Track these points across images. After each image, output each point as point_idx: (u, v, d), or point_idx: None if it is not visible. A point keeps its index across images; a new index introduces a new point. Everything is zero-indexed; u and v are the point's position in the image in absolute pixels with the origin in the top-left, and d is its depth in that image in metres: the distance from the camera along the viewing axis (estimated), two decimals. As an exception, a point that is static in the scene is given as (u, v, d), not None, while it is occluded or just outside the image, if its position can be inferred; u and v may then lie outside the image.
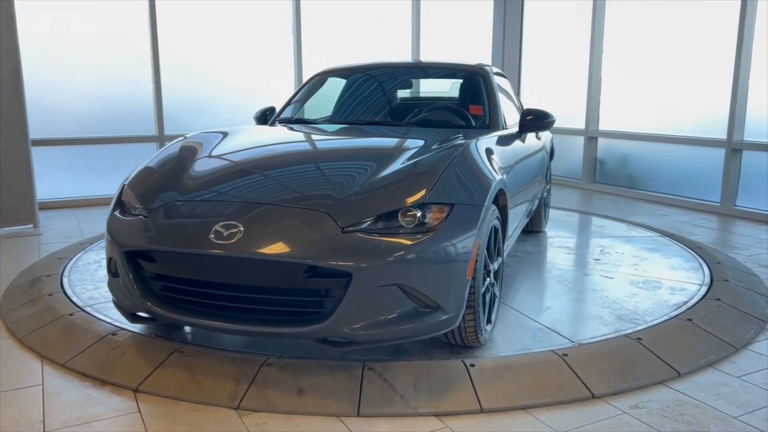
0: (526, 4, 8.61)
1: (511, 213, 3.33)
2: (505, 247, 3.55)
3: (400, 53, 8.23)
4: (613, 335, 3.00)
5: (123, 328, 3.05)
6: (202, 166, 2.92)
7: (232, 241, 2.40)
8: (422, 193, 2.54)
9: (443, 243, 2.45)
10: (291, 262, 2.35)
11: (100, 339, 2.97)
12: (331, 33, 7.74)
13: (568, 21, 8.13)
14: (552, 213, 5.99)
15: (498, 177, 2.90)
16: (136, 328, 3.04)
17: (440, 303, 2.47)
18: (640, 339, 2.93)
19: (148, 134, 6.81)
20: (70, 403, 2.52)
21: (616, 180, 7.61)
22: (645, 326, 3.11)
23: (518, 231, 4.06)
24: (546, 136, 4.95)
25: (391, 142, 3.28)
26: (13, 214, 5.45)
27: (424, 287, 2.44)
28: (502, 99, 4.07)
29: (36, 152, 5.67)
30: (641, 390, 2.62)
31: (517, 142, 3.80)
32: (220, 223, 2.47)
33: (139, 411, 2.46)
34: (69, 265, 4.15)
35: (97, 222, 5.74)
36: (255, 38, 7.30)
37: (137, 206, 2.74)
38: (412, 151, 2.88)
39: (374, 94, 4.20)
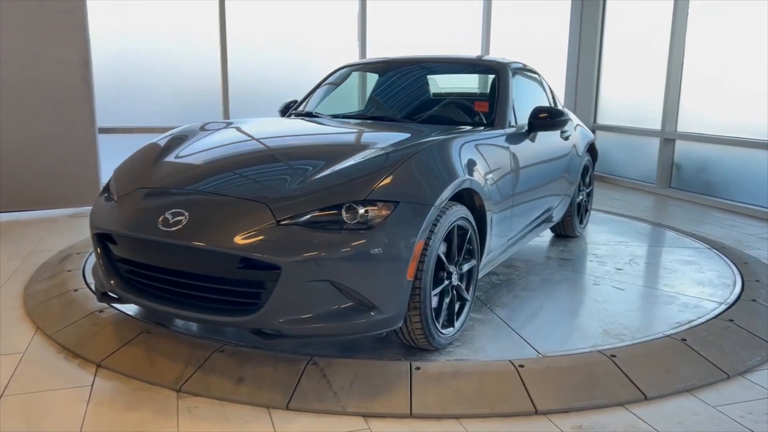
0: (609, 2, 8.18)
1: (499, 215, 3.19)
2: (504, 251, 3.42)
3: (469, 50, 8.08)
4: (586, 350, 2.80)
5: (113, 307, 3.23)
6: (174, 158, 3.03)
7: (176, 228, 2.47)
8: (367, 189, 2.49)
9: (381, 241, 2.40)
10: (225, 253, 2.39)
11: (88, 315, 3.16)
12: (399, 31, 7.72)
13: (647, 16, 7.62)
14: (603, 218, 5.67)
15: (463, 177, 2.79)
16: (125, 308, 3.21)
17: (375, 302, 2.42)
18: (614, 356, 2.72)
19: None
20: (39, 372, 2.71)
21: (693, 186, 7.06)
22: (628, 343, 2.88)
23: (530, 235, 3.87)
24: (580, 136, 4.68)
25: (367, 138, 3.23)
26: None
27: (358, 285, 2.39)
28: (521, 97, 3.90)
29: (102, 139, 6.10)
30: (595, 411, 2.43)
31: (525, 142, 3.62)
32: (170, 211, 2.55)
33: (91, 385, 2.60)
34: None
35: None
36: (320, 32, 7.41)
37: (113, 192, 2.89)
38: (376, 149, 2.83)
39: (386, 90, 4.15)
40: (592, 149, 4.94)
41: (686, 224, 5.59)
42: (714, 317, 3.20)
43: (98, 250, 2.79)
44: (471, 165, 2.93)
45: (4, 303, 3.48)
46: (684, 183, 7.22)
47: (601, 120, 8.48)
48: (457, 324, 2.85)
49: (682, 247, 4.67)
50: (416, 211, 2.51)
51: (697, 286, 3.73)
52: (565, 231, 4.76)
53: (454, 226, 2.72)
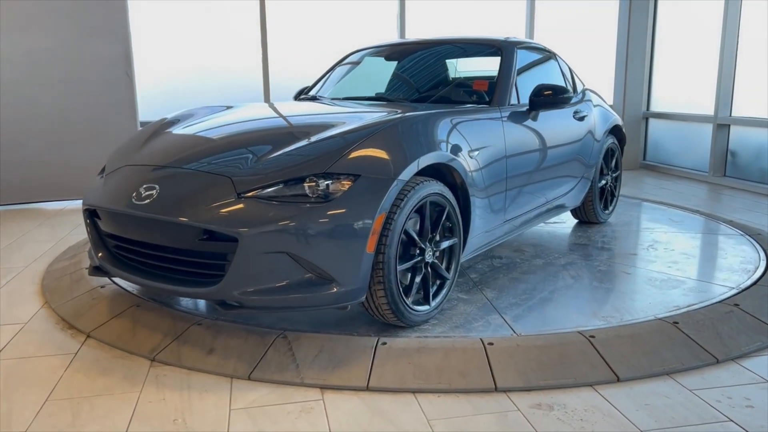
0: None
1: (490, 197, 3.11)
2: (502, 234, 3.34)
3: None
4: (566, 330, 2.69)
5: (115, 283, 3.37)
6: (161, 138, 3.13)
7: (146, 201, 2.56)
8: (329, 162, 2.49)
9: (339, 213, 2.39)
10: (188, 225, 2.45)
11: (90, 290, 3.32)
12: (439, 28, 7.65)
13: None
14: (639, 206, 5.42)
15: (435, 152, 2.74)
16: (124, 283, 3.34)
17: (334, 275, 2.42)
18: (593, 337, 2.60)
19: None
20: (34, 340, 2.86)
21: (749, 174, 6.64)
22: (613, 325, 2.74)
23: (535, 220, 3.76)
24: (600, 117, 4.48)
25: (346, 116, 3.20)
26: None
27: (316, 258, 2.40)
28: (530, 77, 3.79)
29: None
30: (560, 390, 2.34)
31: (526, 121, 3.51)
32: (144, 185, 2.64)
33: (75, 353, 2.72)
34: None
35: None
36: (359, 31, 7.43)
37: (104, 169, 3.03)
38: (348, 126, 2.81)
39: (395, 72, 4.12)
40: (618, 132, 4.73)
41: (732, 212, 5.27)
42: (719, 302, 3.00)
43: (87, 225, 2.92)
44: (451, 142, 2.87)
45: (25, 280, 3.70)
46: (739, 171, 6.80)
47: (654, 107, 8.11)
48: (434, 302, 2.80)
49: (712, 234, 4.41)
50: (378, 185, 2.48)
51: (714, 271, 3.51)
52: (587, 217, 4.58)
53: (425, 202, 2.68)
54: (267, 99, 7.21)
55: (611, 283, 3.33)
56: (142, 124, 6.33)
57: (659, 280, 3.35)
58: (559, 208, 4.05)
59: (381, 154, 2.60)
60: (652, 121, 8.10)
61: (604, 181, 4.61)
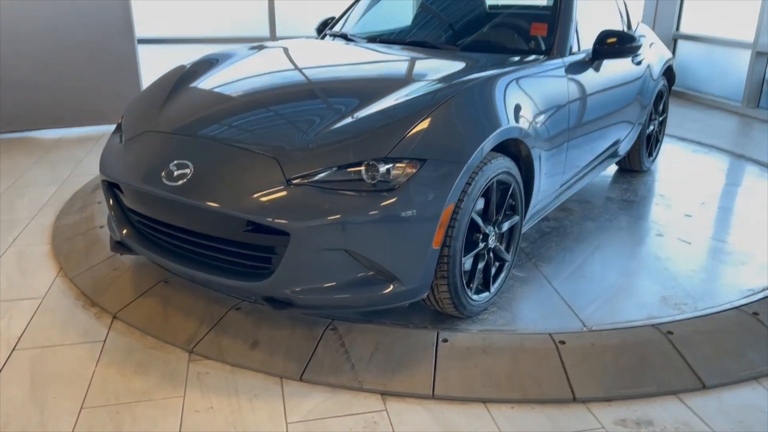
0: None
1: (551, 157, 2.80)
2: (557, 197, 3.07)
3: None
4: (639, 323, 2.49)
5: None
6: (186, 96, 2.75)
7: (179, 183, 2.24)
8: (390, 144, 2.17)
9: (403, 206, 2.10)
10: (230, 215, 2.15)
11: (109, 258, 3.04)
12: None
13: None
14: (676, 146, 5.13)
15: (507, 125, 2.41)
16: (145, 249, 3.07)
17: (396, 273, 2.16)
18: (671, 333, 2.40)
19: (260, 35, 6.74)
20: (55, 322, 2.62)
21: (785, 106, 6.31)
22: (688, 315, 2.54)
23: (591, 174, 3.47)
24: (656, 57, 4.10)
25: (399, 74, 2.84)
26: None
27: (377, 255, 2.13)
28: (588, 17, 3.37)
29: (143, 51, 5.87)
30: (642, 401, 2.15)
31: (588, 72, 3.15)
32: (174, 161, 2.31)
33: (104, 341, 2.49)
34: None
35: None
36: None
37: (122, 133, 2.68)
38: (408, 90, 2.46)
39: (431, 5, 3.67)
40: (668, 72, 4.35)
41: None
42: (795, 284, 2.80)
43: (109, 198, 2.61)
44: (518, 109, 2.53)
45: (34, 237, 3.41)
46: (774, 103, 6.46)
47: (685, 28, 7.61)
48: (493, 288, 2.57)
49: (765, 189, 4.15)
50: (446, 171, 2.18)
51: (780, 240, 3.29)
52: (632, 165, 4.30)
53: (493, 182, 2.38)
54: (271, 17, 6.64)
55: (672, 257, 3.10)
56: (140, 41, 5.82)
57: (723, 253, 3.13)
58: (611, 159, 3.75)
59: (450, 132, 2.27)
60: (681, 43, 7.63)
61: (652, 127, 4.29)
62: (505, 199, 2.51)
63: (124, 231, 2.56)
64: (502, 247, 2.59)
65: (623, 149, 3.88)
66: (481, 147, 2.26)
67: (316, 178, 2.15)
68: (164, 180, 2.27)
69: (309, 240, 2.09)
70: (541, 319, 2.52)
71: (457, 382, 2.19)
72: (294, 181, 2.14)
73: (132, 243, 2.53)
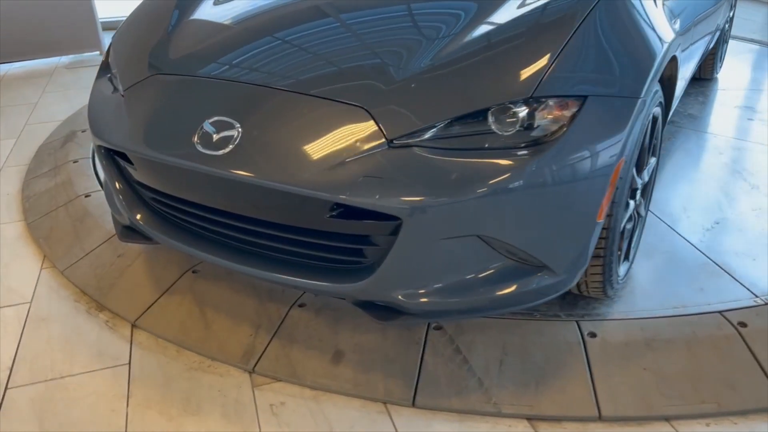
0: None
1: (681, 80, 2.19)
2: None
3: None
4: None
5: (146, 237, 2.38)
6: (204, 17, 1.98)
7: (224, 151, 1.54)
8: (532, 78, 1.50)
9: (560, 164, 1.46)
10: (306, 195, 1.48)
11: (108, 239, 2.35)
12: None
13: None
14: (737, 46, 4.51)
15: (670, 37, 1.76)
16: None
17: (545, 260, 1.55)
18: None
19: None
20: (54, 339, 1.96)
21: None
22: None
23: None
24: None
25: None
26: (75, 39, 4.80)
27: (521, 237, 1.51)
28: None
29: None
30: None
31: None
32: (211, 120, 1.60)
33: (129, 364, 1.85)
34: (112, 115, 3.50)
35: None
36: None
37: (114, 75, 1.92)
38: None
39: None
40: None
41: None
42: None
43: (109, 170, 1.89)
44: (672, 15, 1.87)
45: (1, 213, 2.67)
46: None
47: None
48: (631, 255, 2.00)
49: None
50: (617, 111, 1.54)
51: None
52: (702, 73, 3.67)
53: (648, 121, 1.75)
54: None
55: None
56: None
57: None
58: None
59: (607, 55, 1.61)
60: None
61: (725, 25, 3.65)
62: (652, 139, 1.89)
63: (138, 215, 1.86)
64: (643, 201, 1.99)
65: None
66: (654, 70, 1.61)
67: (428, 135, 1.48)
68: (198, 146, 1.57)
69: (428, 226, 1.45)
70: (693, 290, 1.97)
71: (628, 394, 1.65)
72: (398, 142, 1.47)
73: (152, 230, 1.84)
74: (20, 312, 2.08)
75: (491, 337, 1.80)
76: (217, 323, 1.94)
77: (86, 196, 2.63)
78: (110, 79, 1.99)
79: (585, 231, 1.55)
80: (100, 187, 2.70)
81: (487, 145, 1.47)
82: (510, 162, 1.44)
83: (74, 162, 2.94)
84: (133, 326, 2.00)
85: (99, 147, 1.86)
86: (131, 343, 1.93)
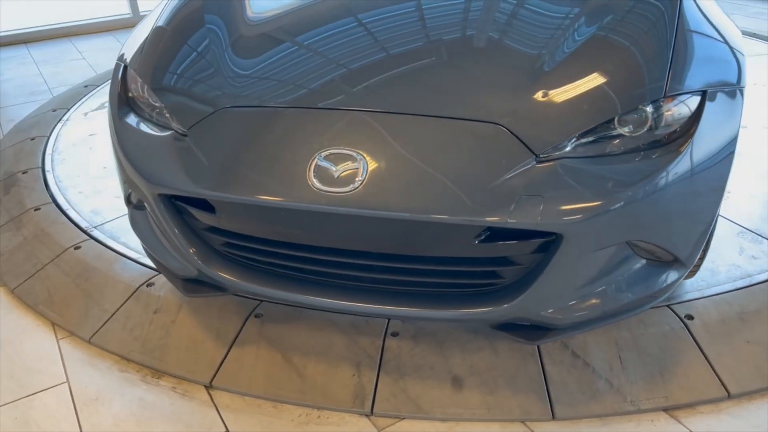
0: None
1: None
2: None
3: None
4: None
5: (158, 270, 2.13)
6: (261, 31, 1.79)
7: (352, 186, 1.40)
8: (659, 77, 1.51)
9: (696, 158, 1.49)
10: (456, 223, 1.39)
11: (133, 294, 2.07)
12: None
13: None
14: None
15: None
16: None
17: (679, 253, 1.58)
18: None
19: None
20: (119, 418, 1.70)
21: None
22: None
23: None
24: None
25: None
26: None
27: (662, 236, 1.53)
28: None
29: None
30: None
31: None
32: (323, 152, 1.44)
33: (226, 430, 1.65)
34: (48, 150, 3.09)
35: (63, 65, 4.50)
36: None
37: (160, 111, 1.68)
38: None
39: None
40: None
41: None
42: None
43: (170, 221, 1.65)
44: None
45: (-38, 281, 2.27)
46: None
47: None
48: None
49: None
50: (729, 101, 1.59)
51: None
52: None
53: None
54: None
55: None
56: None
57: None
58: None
59: (707, 44, 1.66)
60: None
61: None
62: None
63: (216, 265, 1.64)
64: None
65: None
66: (743, 55, 1.69)
67: (569, 147, 1.44)
68: (316, 184, 1.42)
69: (587, 239, 1.42)
70: (745, 260, 2.11)
71: (744, 369, 1.73)
72: (544, 156, 1.42)
73: (232, 280, 1.64)
74: (62, 395, 1.78)
75: (600, 336, 1.81)
76: (309, 368, 1.78)
77: (76, 248, 2.30)
78: (136, 114, 1.74)
79: (711, 213, 1.60)
80: (85, 236, 2.38)
81: (622, 149, 1.46)
82: (652, 162, 1.44)
83: (36, 210, 2.56)
84: (209, 388, 1.78)
85: (157, 196, 1.62)
86: (216, 408, 1.73)
